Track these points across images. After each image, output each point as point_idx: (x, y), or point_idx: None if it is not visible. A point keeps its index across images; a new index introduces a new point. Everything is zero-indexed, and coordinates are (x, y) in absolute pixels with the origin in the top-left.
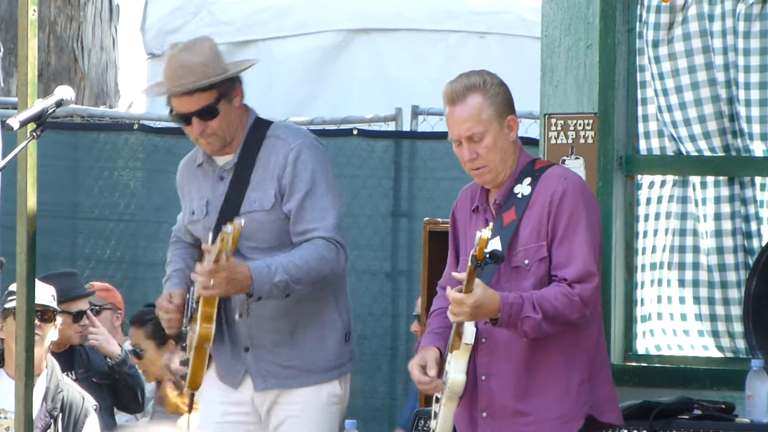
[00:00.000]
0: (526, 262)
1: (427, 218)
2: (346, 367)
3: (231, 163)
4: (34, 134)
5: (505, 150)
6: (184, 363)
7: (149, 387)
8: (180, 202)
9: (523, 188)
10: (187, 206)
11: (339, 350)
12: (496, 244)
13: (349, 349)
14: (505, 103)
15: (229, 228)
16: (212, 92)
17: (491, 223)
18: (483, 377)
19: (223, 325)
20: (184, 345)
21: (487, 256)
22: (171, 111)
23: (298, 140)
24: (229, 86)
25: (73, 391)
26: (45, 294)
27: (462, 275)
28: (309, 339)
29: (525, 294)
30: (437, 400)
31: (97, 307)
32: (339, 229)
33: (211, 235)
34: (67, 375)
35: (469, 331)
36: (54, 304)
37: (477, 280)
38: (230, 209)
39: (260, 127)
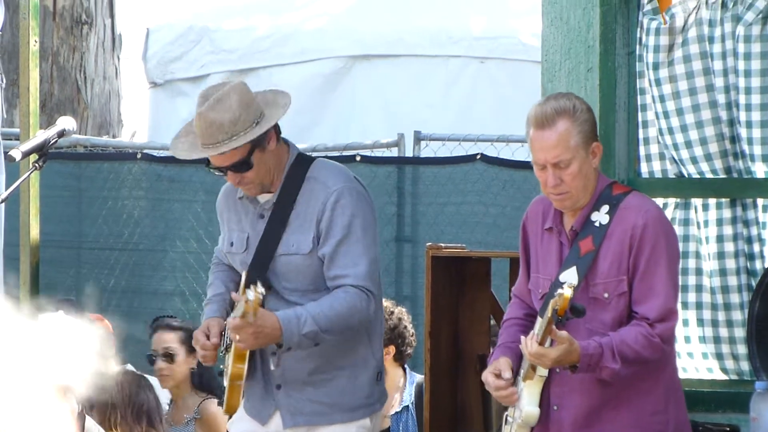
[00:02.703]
0: (606, 295)
1: (430, 243)
2: (375, 407)
3: (270, 203)
4: (36, 165)
5: (588, 176)
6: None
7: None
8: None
9: (600, 216)
10: (227, 235)
11: (370, 390)
12: (571, 274)
13: (380, 389)
14: (591, 130)
15: (251, 295)
16: (244, 146)
17: (574, 282)
18: (555, 407)
19: (257, 362)
20: (221, 370)
21: (569, 312)
22: (208, 162)
23: (339, 184)
24: (262, 136)
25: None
26: None
27: (538, 325)
28: (341, 377)
29: (605, 341)
30: (507, 421)
31: None
32: (371, 277)
33: (244, 275)
34: None
35: None
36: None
37: (564, 333)
38: (267, 250)
39: (301, 165)
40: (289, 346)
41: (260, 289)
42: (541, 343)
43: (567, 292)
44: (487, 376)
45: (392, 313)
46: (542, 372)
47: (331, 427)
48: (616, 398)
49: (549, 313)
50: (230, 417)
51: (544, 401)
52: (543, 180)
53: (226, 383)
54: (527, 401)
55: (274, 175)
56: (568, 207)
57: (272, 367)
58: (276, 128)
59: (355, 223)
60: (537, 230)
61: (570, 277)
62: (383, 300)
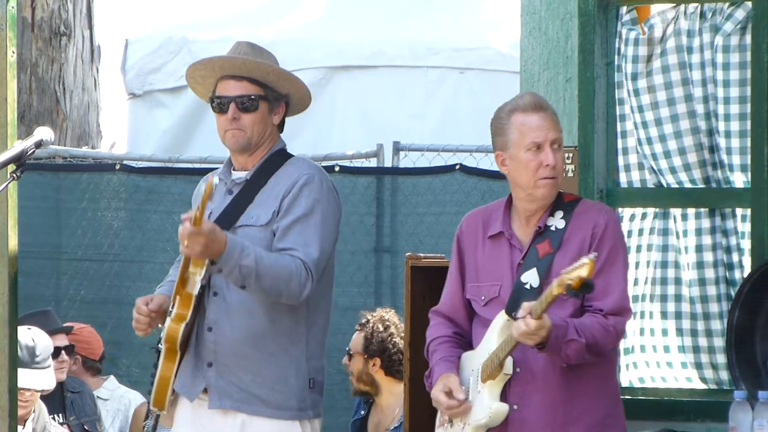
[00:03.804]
0: (564, 293)
1: (409, 253)
2: (308, 413)
3: (243, 179)
4: (14, 176)
5: (563, 172)
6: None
7: None
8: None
9: (556, 222)
10: None
11: (300, 394)
12: (532, 276)
13: (312, 398)
14: None
15: (202, 185)
16: (259, 88)
17: (594, 253)
18: (515, 407)
19: (192, 338)
20: (156, 363)
21: (582, 285)
22: (212, 97)
23: (312, 171)
24: (276, 96)
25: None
26: (47, 368)
27: (530, 305)
28: (271, 373)
29: (567, 319)
30: (450, 424)
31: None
32: (317, 264)
33: None
34: (54, 419)
35: (509, 360)
36: (50, 384)
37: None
38: (227, 222)
39: (282, 156)
40: (221, 267)
41: (214, 177)
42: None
43: (588, 261)
44: (438, 396)
45: (387, 327)
46: (508, 370)
47: (257, 419)
48: (577, 398)
49: (556, 288)
50: (158, 415)
51: (502, 401)
52: (535, 164)
53: (158, 370)
54: (491, 398)
55: (261, 145)
56: (551, 195)
57: (206, 331)
58: (285, 111)
59: (317, 209)
60: (476, 241)
61: (531, 278)
62: (387, 312)
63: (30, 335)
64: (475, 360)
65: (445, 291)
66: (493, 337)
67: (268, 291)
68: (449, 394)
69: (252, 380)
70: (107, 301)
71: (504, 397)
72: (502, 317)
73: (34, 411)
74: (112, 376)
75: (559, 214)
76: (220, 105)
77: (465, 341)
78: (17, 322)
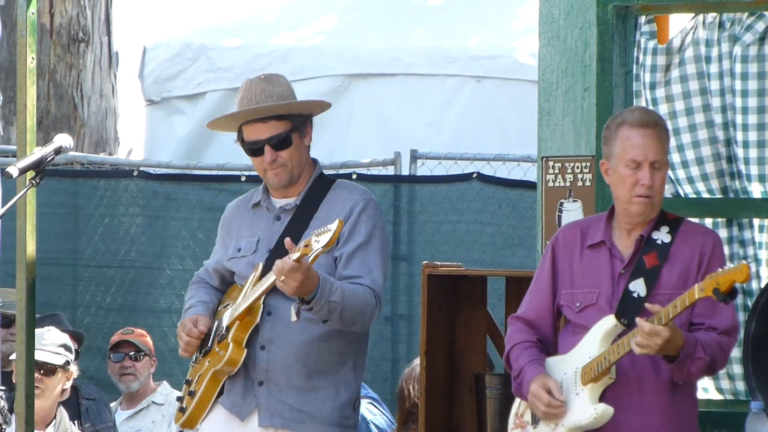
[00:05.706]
0: None
1: (426, 262)
2: (351, 430)
3: (291, 205)
4: (33, 182)
5: (664, 191)
6: (184, 397)
7: None
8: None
9: (662, 236)
10: (233, 244)
11: (348, 412)
12: (640, 285)
13: (354, 418)
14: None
15: (332, 225)
16: (286, 122)
17: (745, 260)
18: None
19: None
20: (188, 379)
21: (732, 290)
22: (242, 141)
23: (366, 195)
24: (302, 121)
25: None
26: (51, 347)
27: (656, 307)
28: (323, 390)
29: (694, 335)
30: (533, 423)
31: (142, 353)
32: (382, 289)
33: (260, 265)
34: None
35: (614, 366)
36: (57, 360)
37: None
38: (283, 248)
39: (325, 179)
40: (312, 306)
41: (341, 219)
42: (665, 324)
43: (743, 266)
44: (540, 393)
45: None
46: (613, 375)
47: None
48: (670, 407)
49: (698, 293)
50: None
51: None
52: (632, 181)
53: (198, 387)
54: (594, 401)
55: (303, 174)
56: (647, 213)
57: (294, 318)
58: (312, 128)
59: (375, 234)
60: (573, 251)
61: (639, 288)
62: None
63: (45, 329)
64: (567, 364)
65: (529, 298)
66: (595, 341)
67: (346, 323)
68: (550, 393)
69: (302, 398)
70: (124, 308)
71: (600, 401)
72: (608, 322)
73: (55, 417)
74: (165, 382)
75: (665, 228)
76: (253, 150)
77: (547, 348)
78: (34, 328)
